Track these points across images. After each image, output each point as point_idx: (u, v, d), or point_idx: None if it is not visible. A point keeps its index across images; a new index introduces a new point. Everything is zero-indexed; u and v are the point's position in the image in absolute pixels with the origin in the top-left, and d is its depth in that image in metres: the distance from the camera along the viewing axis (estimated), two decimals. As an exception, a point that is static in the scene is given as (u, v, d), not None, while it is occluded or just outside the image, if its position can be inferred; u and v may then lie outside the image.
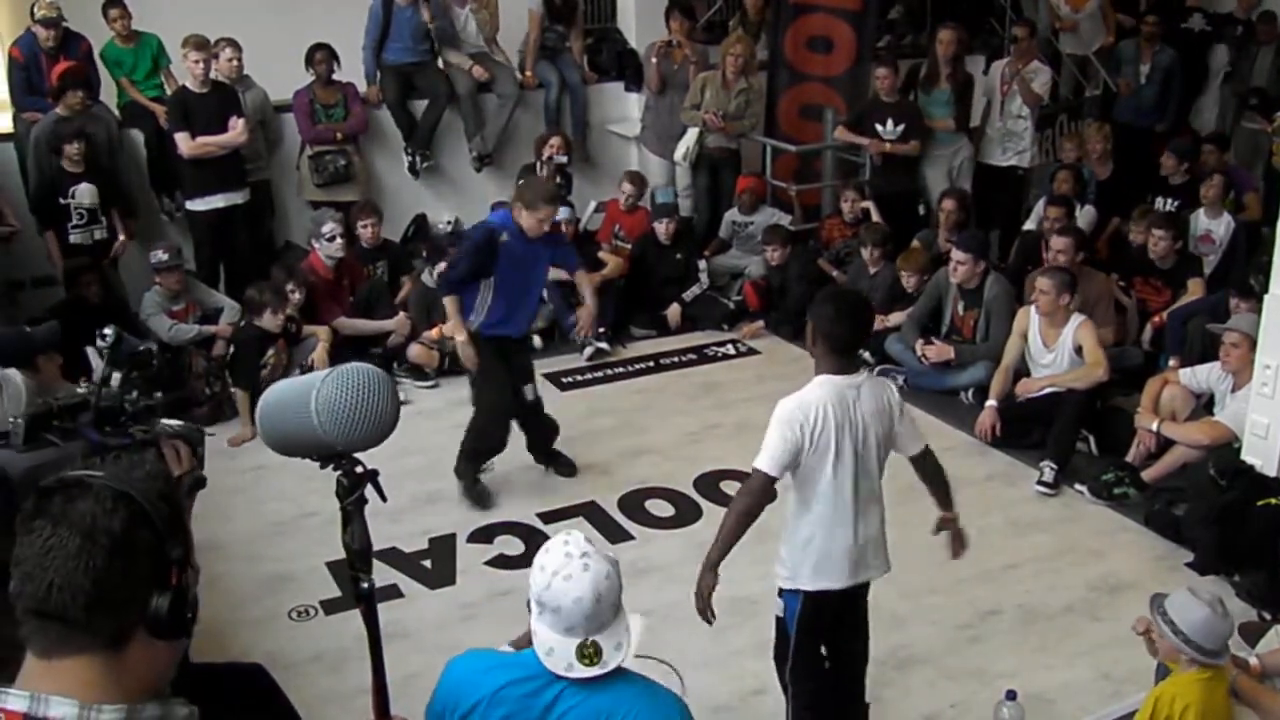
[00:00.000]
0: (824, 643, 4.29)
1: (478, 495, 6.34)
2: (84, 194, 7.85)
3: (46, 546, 1.45)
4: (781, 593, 4.16)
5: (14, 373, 3.87)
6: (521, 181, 7.68)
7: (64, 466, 1.54)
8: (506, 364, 6.18)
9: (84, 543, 1.44)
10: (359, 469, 2.10)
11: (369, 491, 2.12)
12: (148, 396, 2.34)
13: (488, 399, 6.24)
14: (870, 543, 4.06)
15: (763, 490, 3.97)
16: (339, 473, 2.10)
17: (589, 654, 2.51)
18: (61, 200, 7.83)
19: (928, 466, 4.16)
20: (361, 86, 9.18)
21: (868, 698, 4.51)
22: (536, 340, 8.48)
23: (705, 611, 3.97)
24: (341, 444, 2.04)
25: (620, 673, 2.58)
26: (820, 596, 4.07)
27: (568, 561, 2.54)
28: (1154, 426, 6.29)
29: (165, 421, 2.33)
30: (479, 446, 6.34)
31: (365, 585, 2.16)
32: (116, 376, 2.63)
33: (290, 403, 2.04)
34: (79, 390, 2.42)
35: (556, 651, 2.52)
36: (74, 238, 7.89)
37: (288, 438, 2.06)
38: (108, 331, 3.96)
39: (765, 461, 3.89)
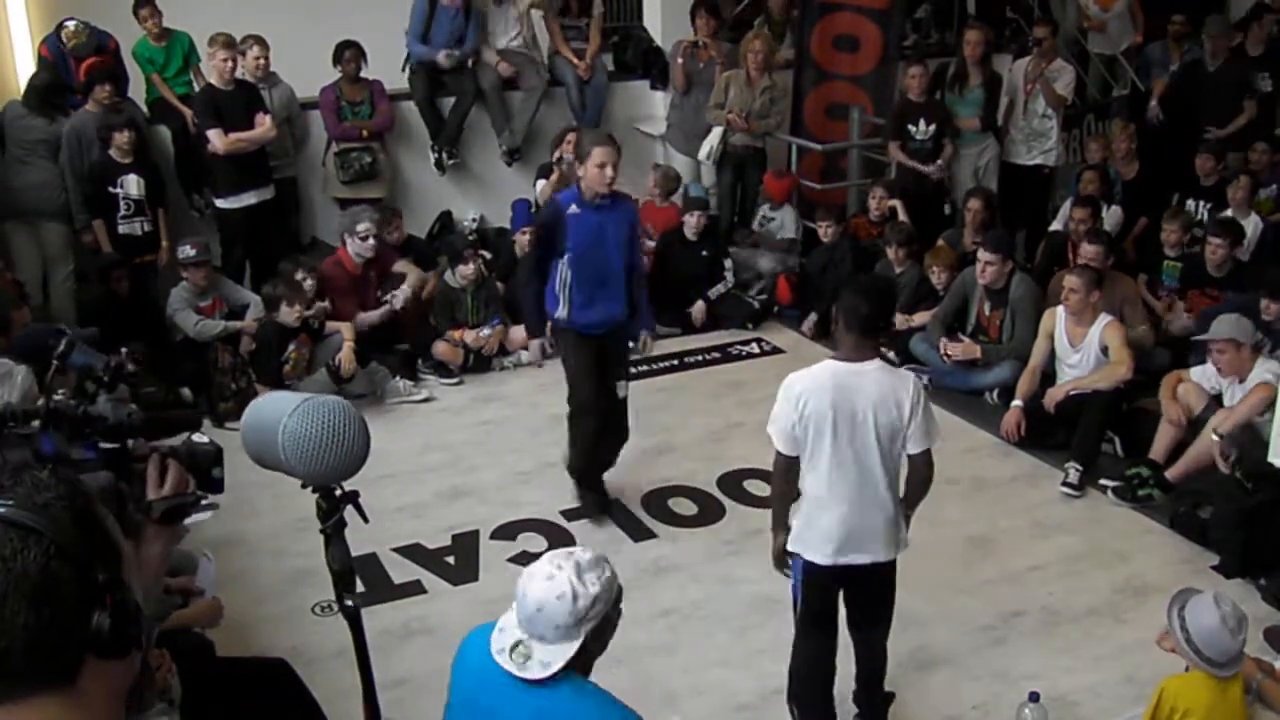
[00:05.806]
0: (850, 626, 4.36)
1: (591, 504, 6.11)
2: (131, 184, 7.86)
3: None
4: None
5: (26, 369, 3.83)
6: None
7: None
8: (593, 354, 5.90)
9: (3, 592, 1.35)
10: (336, 492, 2.10)
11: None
12: (119, 406, 2.30)
13: (571, 391, 5.99)
14: (862, 527, 4.08)
15: (785, 469, 4.20)
16: (317, 495, 2.10)
17: (519, 654, 2.62)
18: (110, 190, 7.85)
19: (915, 466, 4.17)
20: (388, 84, 9.19)
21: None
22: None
23: (780, 567, 4.33)
24: (305, 477, 2.04)
25: (576, 682, 2.65)
26: (811, 567, 4.16)
27: (549, 564, 2.67)
28: (1216, 435, 5.98)
29: (194, 438, 2.31)
30: (574, 445, 6.08)
31: (350, 604, 2.17)
32: (63, 391, 2.62)
33: (263, 426, 2.02)
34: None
35: (506, 631, 2.67)
36: (122, 228, 7.90)
37: (263, 459, 2.04)
38: (64, 341, 3.98)
39: (775, 437, 4.14)
